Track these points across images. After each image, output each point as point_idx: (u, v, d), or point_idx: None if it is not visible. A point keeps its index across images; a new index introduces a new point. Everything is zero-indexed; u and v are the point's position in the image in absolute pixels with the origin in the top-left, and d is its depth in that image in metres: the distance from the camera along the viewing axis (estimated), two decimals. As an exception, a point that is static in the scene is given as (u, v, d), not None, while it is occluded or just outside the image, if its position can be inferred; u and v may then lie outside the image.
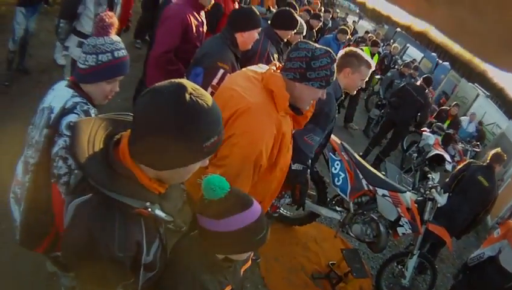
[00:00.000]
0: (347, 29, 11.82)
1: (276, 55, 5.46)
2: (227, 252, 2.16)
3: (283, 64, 3.08)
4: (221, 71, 4.13)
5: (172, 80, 1.56)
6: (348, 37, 12.55)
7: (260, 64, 3.47)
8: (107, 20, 2.55)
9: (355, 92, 4.63)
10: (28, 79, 8.37)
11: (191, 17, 5.04)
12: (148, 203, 1.68)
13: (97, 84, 2.66)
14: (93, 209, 1.63)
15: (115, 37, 2.63)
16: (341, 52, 4.39)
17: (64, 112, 2.50)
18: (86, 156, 1.60)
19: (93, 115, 2.59)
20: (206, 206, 2.01)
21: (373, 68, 4.37)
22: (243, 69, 3.42)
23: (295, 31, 5.63)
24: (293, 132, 3.38)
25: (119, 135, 1.75)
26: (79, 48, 5.34)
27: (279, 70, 3.10)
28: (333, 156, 5.75)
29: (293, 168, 4.03)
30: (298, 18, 5.54)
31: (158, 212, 1.72)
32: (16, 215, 2.84)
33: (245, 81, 3.15)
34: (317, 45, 2.95)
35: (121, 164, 1.64)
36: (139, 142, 1.57)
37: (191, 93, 1.50)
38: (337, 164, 5.73)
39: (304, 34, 6.21)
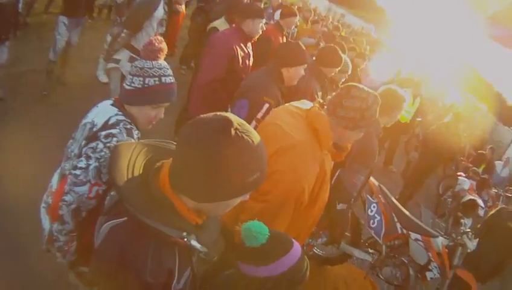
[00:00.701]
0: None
1: (320, 93, 5.38)
2: None
3: (328, 103, 3.02)
4: (266, 105, 4.11)
5: (219, 113, 1.53)
6: None
7: (303, 100, 3.45)
8: (156, 44, 2.53)
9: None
10: (66, 92, 8.47)
11: (238, 48, 5.02)
12: (184, 233, 1.64)
13: (141, 108, 2.61)
14: (128, 233, 1.61)
15: (163, 63, 2.59)
16: (382, 92, 4.29)
17: (107, 126, 2.48)
18: (124, 179, 1.60)
19: (135, 135, 2.58)
20: (249, 253, 1.96)
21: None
22: (286, 104, 3.41)
23: (339, 68, 5.56)
24: (339, 171, 3.34)
25: (161, 163, 1.72)
26: (130, 62, 5.38)
27: (323, 108, 3.06)
28: (370, 198, 5.68)
29: (338, 208, 4.01)
30: (343, 56, 5.49)
31: (194, 243, 1.67)
32: (45, 225, 2.82)
33: (288, 117, 3.13)
34: (367, 90, 2.91)
35: (160, 191, 1.61)
36: (180, 172, 1.54)
37: (236, 128, 1.46)
38: (374, 206, 5.65)
39: (349, 72, 6.14)
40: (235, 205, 1.69)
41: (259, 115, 4.07)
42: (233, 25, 5.40)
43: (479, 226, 7.62)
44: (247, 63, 5.23)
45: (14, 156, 5.86)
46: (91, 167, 2.39)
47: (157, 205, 1.59)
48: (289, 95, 4.64)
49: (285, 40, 7.12)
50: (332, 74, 5.56)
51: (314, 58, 5.54)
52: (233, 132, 1.45)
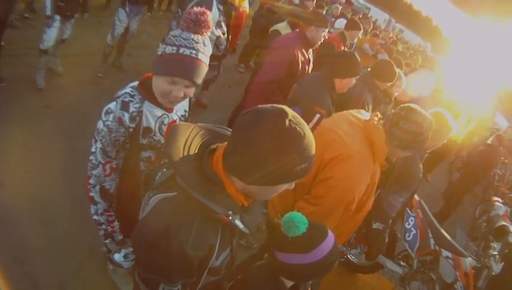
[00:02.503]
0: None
1: (370, 106, 5.36)
2: (304, 280, 2.18)
3: (386, 120, 3.06)
4: (318, 116, 4.13)
5: (275, 105, 1.59)
6: None
7: (361, 111, 3.47)
8: (202, 18, 2.29)
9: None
10: (123, 77, 8.49)
11: (299, 53, 5.04)
12: (230, 212, 1.70)
13: (157, 79, 2.35)
14: (177, 206, 1.68)
15: (206, 40, 2.35)
16: (432, 115, 4.28)
17: (113, 98, 2.48)
18: (180, 157, 1.66)
19: (131, 108, 2.41)
20: (289, 243, 2.05)
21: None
22: (345, 112, 3.44)
23: (393, 83, 5.55)
24: (379, 191, 3.37)
25: (216, 145, 1.81)
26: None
27: (381, 122, 3.10)
28: (409, 212, 5.65)
29: (374, 227, 4.01)
30: (398, 71, 5.47)
31: (238, 222, 1.73)
32: None
33: (347, 126, 3.16)
34: (424, 115, 2.94)
35: (213, 171, 1.69)
36: (234, 154, 1.60)
37: (290, 120, 1.51)
38: (411, 220, 5.61)
39: (403, 88, 6.11)
40: (279, 192, 1.74)
41: (310, 125, 4.05)
42: (297, 30, 5.42)
43: (506, 251, 7.50)
44: (306, 68, 5.25)
45: (66, 134, 6.09)
46: (98, 149, 2.47)
47: (208, 182, 1.67)
48: (340, 102, 4.66)
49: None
50: (386, 87, 5.55)
51: (369, 69, 5.53)
52: (287, 122, 1.50)
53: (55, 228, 4.56)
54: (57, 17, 6.80)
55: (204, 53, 2.32)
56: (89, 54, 8.96)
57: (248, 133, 1.54)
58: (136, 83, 2.52)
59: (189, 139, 1.76)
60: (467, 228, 11.81)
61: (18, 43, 8.56)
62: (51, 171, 5.32)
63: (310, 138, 1.57)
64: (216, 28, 5.60)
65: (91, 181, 2.56)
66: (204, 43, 2.29)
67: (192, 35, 2.26)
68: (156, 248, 1.64)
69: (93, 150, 2.49)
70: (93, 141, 2.48)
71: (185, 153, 1.69)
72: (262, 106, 1.60)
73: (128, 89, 2.48)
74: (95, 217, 2.67)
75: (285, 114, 1.52)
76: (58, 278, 4.15)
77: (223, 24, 5.71)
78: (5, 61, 7.31)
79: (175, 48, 2.22)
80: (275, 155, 1.50)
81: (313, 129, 3.84)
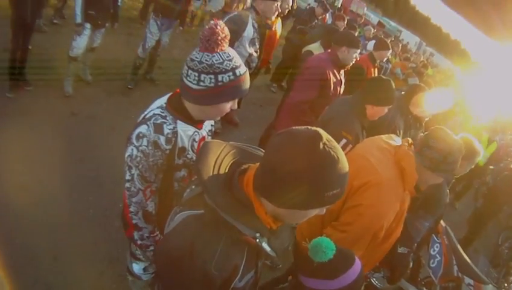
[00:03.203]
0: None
1: (402, 131, 5.24)
2: None
3: (417, 141, 3.02)
4: (344, 141, 4.01)
5: (310, 127, 1.53)
6: None
7: (393, 136, 3.42)
8: (220, 33, 2.10)
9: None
10: (153, 90, 8.48)
11: (331, 74, 4.97)
12: (258, 234, 1.63)
13: (214, 106, 2.28)
14: (203, 224, 1.62)
15: (230, 51, 2.20)
16: None
17: (141, 120, 2.36)
18: (209, 174, 1.62)
19: (166, 130, 2.33)
20: (316, 268, 1.99)
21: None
22: (377, 137, 3.39)
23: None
24: (406, 215, 3.29)
25: (247, 165, 1.74)
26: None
27: (412, 147, 3.05)
28: (435, 238, 5.55)
29: (399, 251, 3.94)
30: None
31: (265, 245, 1.65)
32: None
33: (378, 152, 3.12)
34: (454, 137, 2.91)
35: (243, 191, 1.62)
36: (265, 176, 1.53)
37: (325, 143, 1.45)
38: (437, 246, 5.51)
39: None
40: (309, 217, 1.68)
41: None
42: (329, 51, 5.34)
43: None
44: (338, 89, 5.16)
45: (92, 143, 6.11)
46: (135, 176, 2.36)
47: (237, 203, 1.61)
48: (371, 127, 4.53)
49: (376, 72, 7.05)
50: (418, 112, 5.45)
51: (402, 93, 5.43)
52: (321, 145, 1.43)
53: (76, 235, 4.52)
54: (87, 25, 6.86)
55: (241, 63, 2.25)
56: (119, 65, 9.00)
57: (281, 154, 1.47)
58: (163, 103, 2.43)
59: (220, 157, 1.72)
60: (489, 255, 11.66)
61: (46, 48, 8.60)
62: (75, 178, 5.33)
63: (344, 163, 1.50)
64: (249, 45, 5.54)
65: (132, 209, 2.47)
66: (230, 54, 2.18)
67: (227, 53, 2.16)
68: (179, 264, 1.59)
69: (128, 177, 2.39)
70: (126, 168, 2.37)
71: (215, 172, 1.65)
72: (296, 127, 1.53)
73: (157, 110, 2.39)
74: (140, 242, 2.58)
75: (320, 137, 1.46)
76: (75, 285, 4.13)
77: (256, 42, 5.64)
78: (33, 65, 7.30)
79: (231, 74, 2.14)
80: (307, 179, 1.43)
81: None
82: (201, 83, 2.13)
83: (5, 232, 4.29)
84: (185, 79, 2.20)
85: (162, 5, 7.59)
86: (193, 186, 1.85)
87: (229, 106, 2.28)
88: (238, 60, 2.17)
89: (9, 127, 6.04)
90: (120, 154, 3.02)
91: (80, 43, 6.93)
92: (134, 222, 2.48)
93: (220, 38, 2.07)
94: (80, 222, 4.71)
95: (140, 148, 2.27)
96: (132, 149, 2.29)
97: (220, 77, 2.11)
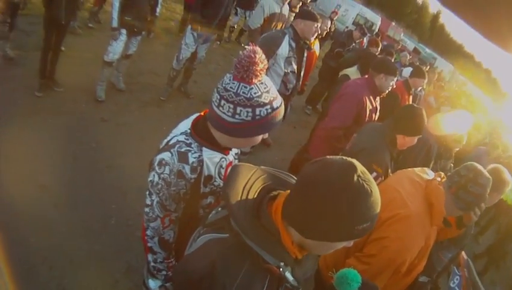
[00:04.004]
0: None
1: (432, 160, 5.17)
2: None
3: (453, 182, 2.93)
4: (374, 174, 3.90)
5: (345, 158, 1.48)
6: None
7: (426, 169, 3.36)
8: (259, 63, 1.92)
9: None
10: (186, 103, 8.42)
11: (367, 100, 4.88)
12: (282, 263, 1.57)
13: (247, 139, 2.14)
14: (226, 249, 1.58)
15: (267, 80, 2.03)
16: (489, 171, 4.12)
17: (164, 147, 2.24)
18: (237, 199, 1.57)
19: (191, 158, 2.17)
20: None
21: None
22: (410, 170, 3.35)
23: (455, 137, 5.33)
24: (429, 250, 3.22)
25: (277, 192, 1.69)
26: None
27: (443, 182, 2.99)
28: (456, 270, 5.44)
29: (420, 280, 3.86)
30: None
31: (288, 275, 1.59)
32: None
33: (409, 185, 3.08)
34: (488, 177, 2.86)
35: (270, 219, 1.57)
36: (295, 205, 1.49)
37: (359, 175, 1.40)
38: (457, 279, 5.39)
39: (463, 143, 5.87)
40: (337, 248, 1.62)
41: None
42: (366, 76, 5.25)
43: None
44: (373, 116, 5.07)
45: (120, 151, 6.06)
46: (154, 203, 2.26)
47: (263, 230, 1.55)
48: (404, 155, 4.49)
49: (410, 100, 6.95)
50: (449, 142, 5.35)
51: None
52: (355, 177, 1.39)
53: (95, 242, 4.47)
54: (123, 31, 6.83)
55: (277, 93, 2.10)
56: (153, 75, 9.05)
57: (313, 185, 1.42)
58: (187, 128, 2.28)
59: (250, 182, 1.66)
60: (507, 287, 11.48)
61: (80, 51, 8.63)
62: (99, 185, 5.27)
63: (376, 196, 1.45)
64: (285, 64, 5.45)
65: (148, 233, 2.38)
66: (267, 84, 2.01)
67: (265, 83, 2.00)
68: (198, 286, 1.56)
69: (148, 202, 2.29)
70: (147, 192, 2.27)
71: (244, 197, 1.60)
72: (331, 157, 1.50)
73: (181, 137, 2.23)
74: (153, 264, 2.48)
75: (354, 169, 1.41)
76: (88, 289, 4.08)
77: (293, 62, 5.52)
78: (65, 67, 7.31)
79: (269, 107, 2.00)
80: (339, 212, 1.39)
81: None
82: (237, 116, 1.98)
83: (19, 229, 4.28)
84: (217, 109, 2.02)
85: (200, 19, 7.56)
86: (219, 209, 1.82)
87: (261, 137, 2.16)
88: (274, 91, 2.05)
89: (35, 126, 6.05)
90: (147, 165, 2.98)
91: (116, 49, 6.93)
92: (149, 245, 2.43)
93: (258, 69, 1.91)
94: (100, 228, 4.66)
95: (162, 175, 2.16)
96: (154, 175, 2.19)
97: (257, 111, 1.97)
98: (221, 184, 2.32)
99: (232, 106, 1.95)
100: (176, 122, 6.25)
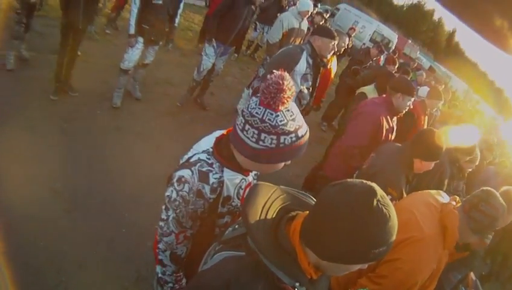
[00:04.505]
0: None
1: (447, 180, 5.13)
2: None
3: (466, 201, 2.97)
4: (389, 197, 3.83)
5: (365, 181, 1.49)
6: None
7: (441, 192, 3.35)
8: (287, 90, 1.86)
9: None
10: (202, 115, 8.36)
11: (384, 120, 4.84)
12: (297, 284, 1.55)
13: (270, 165, 2.08)
14: (242, 267, 1.57)
15: (293, 108, 1.97)
16: (502, 193, 4.09)
17: (184, 164, 2.18)
18: (256, 218, 1.57)
19: (211, 179, 2.12)
20: None
21: None
22: (426, 192, 3.35)
23: (471, 159, 5.30)
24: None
25: (295, 213, 1.68)
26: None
27: (458, 205, 3.01)
28: (465, 291, 5.42)
29: None
30: (477, 151, 5.24)
31: None
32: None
33: (424, 207, 3.07)
34: (501, 200, 2.88)
35: (288, 239, 1.57)
36: (314, 227, 1.49)
37: (378, 200, 1.41)
38: (465, 300, 5.38)
39: (476, 164, 5.80)
40: (351, 270, 1.61)
41: None
42: (384, 96, 5.23)
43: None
44: (390, 136, 5.02)
45: (134, 160, 6.04)
46: (170, 218, 2.21)
47: (280, 250, 1.54)
48: (419, 177, 4.46)
49: (426, 120, 6.89)
50: (464, 162, 5.30)
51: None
52: (375, 202, 1.39)
53: (105, 249, 4.44)
54: (140, 39, 6.80)
55: (303, 122, 2.03)
56: (169, 85, 9.05)
57: (332, 208, 1.43)
58: (209, 147, 2.23)
59: (269, 202, 1.65)
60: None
61: (96, 57, 8.66)
62: (112, 192, 5.22)
63: (394, 221, 1.45)
64: (302, 81, 5.41)
65: (161, 246, 2.35)
66: (294, 112, 1.96)
67: (291, 111, 1.94)
68: None
69: (164, 217, 2.24)
70: (163, 207, 2.22)
71: (262, 216, 1.59)
72: (352, 180, 1.50)
73: (203, 155, 2.18)
74: (160, 275, 2.46)
75: (374, 193, 1.42)
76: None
77: (309, 78, 5.48)
78: (80, 72, 7.30)
79: (293, 135, 1.94)
80: (357, 235, 1.39)
81: None
82: (261, 143, 1.92)
83: (29, 232, 4.27)
84: (240, 132, 1.97)
85: (218, 31, 7.55)
86: (236, 226, 1.81)
87: (283, 164, 2.09)
88: (300, 119, 1.98)
89: (49, 129, 6.04)
90: (162, 175, 2.93)
91: (132, 56, 6.89)
92: (160, 257, 2.39)
93: (286, 96, 1.86)
94: (111, 236, 4.62)
95: (181, 193, 2.10)
96: (172, 191, 2.14)
97: (282, 139, 1.91)
98: (239, 204, 2.30)
99: (256, 131, 1.91)
100: (191, 133, 6.18)
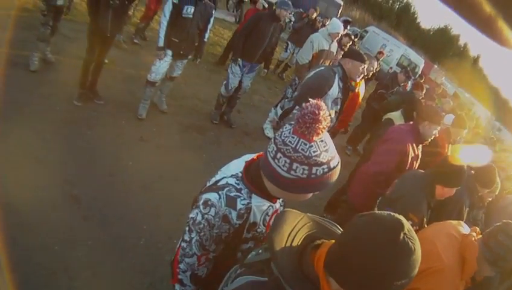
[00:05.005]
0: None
1: (467, 209, 5.07)
2: None
3: (486, 232, 3.03)
4: (410, 223, 3.85)
5: (392, 214, 1.50)
6: None
7: (462, 223, 3.41)
8: (323, 120, 1.82)
9: None
10: (228, 132, 8.31)
11: (411, 148, 4.85)
12: None
13: (301, 195, 2.04)
14: None
15: (327, 138, 1.92)
16: None
17: (212, 187, 2.15)
18: (282, 245, 1.57)
19: (239, 204, 2.08)
20: None
21: None
22: (448, 223, 3.41)
23: (491, 189, 5.26)
24: None
25: (321, 241, 1.69)
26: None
27: (479, 237, 3.05)
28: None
29: None
30: (498, 180, 5.21)
31: None
32: None
33: (446, 239, 3.11)
34: None
35: (312, 267, 1.57)
36: (339, 257, 1.50)
37: (405, 233, 1.42)
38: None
39: (496, 193, 5.74)
40: None
41: None
42: (411, 123, 5.25)
43: None
44: (414, 164, 5.02)
45: (156, 173, 5.96)
46: (193, 240, 2.15)
47: (303, 277, 1.55)
48: (438, 204, 4.39)
49: (450, 148, 6.87)
50: (484, 193, 5.27)
51: (472, 172, 5.22)
52: (402, 235, 1.40)
53: (120, 259, 4.40)
54: (169, 52, 6.75)
55: (336, 153, 1.98)
56: (196, 100, 8.97)
57: (359, 239, 1.45)
58: (238, 172, 2.18)
59: (296, 229, 1.67)
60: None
61: (123, 66, 8.61)
62: (132, 204, 5.19)
63: (418, 254, 1.46)
64: (332, 104, 5.38)
65: (182, 266, 2.28)
66: (327, 142, 1.91)
67: (324, 141, 1.89)
68: None
69: (187, 238, 2.19)
70: (187, 228, 2.18)
71: (288, 243, 1.60)
72: (380, 212, 1.51)
73: (231, 180, 2.14)
74: None
75: (402, 227, 1.43)
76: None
77: (339, 102, 5.47)
78: (107, 80, 7.30)
79: (325, 167, 1.88)
80: (381, 267, 1.40)
81: None
82: (292, 172, 1.86)
83: (45, 235, 4.26)
84: (272, 160, 1.91)
85: (244, 49, 7.54)
86: (260, 251, 1.82)
87: (312, 194, 2.03)
88: (333, 150, 1.93)
89: (71, 135, 6.05)
90: (183, 191, 2.94)
91: (159, 69, 6.84)
92: (180, 277, 2.33)
93: (321, 127, 1.81)
94: (128, 247, 4.57)
95: (206, 216, 2.06)
96: (197, 213, 2.09)
97: (314, 170, 1.86)
98: (264, 231, 2.27)
99: (288, 161, 1.86)
100: (216, 150, 6.16)
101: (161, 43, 6.55)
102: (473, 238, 3.03)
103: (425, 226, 3.89)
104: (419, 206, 3.98)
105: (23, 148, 5.28)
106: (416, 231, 3.59)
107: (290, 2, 7.56)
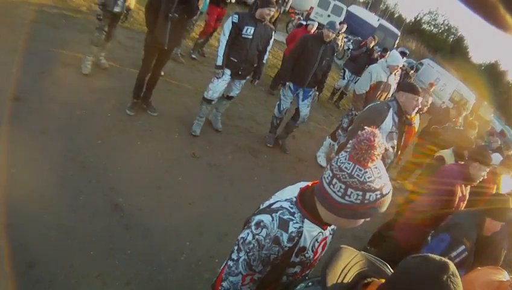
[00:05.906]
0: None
1: (505, 251, 4.98)
2: None
3: None
4: (463, 247, 3.98)
5: (442, 258, 1.51)
6: None
7: (502, 271, 3.50)
8: (377, 147, 1.86)
9: None
10: (282, 157, 8.10)
11: (459, 189, 4.86)
12: None
13: (351, 221, 2.04)
14: None
15: (380, 165, 1.95)
16: None
17: (265, 209, 2.15)
18: (334, 281, 1.60)
19: (291, 228, 2.06)
20: None
21: None
22: (489, 269, 3.50)
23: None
24: None
25: (371, 279, 1.71)
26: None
27: None
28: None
29: None
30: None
31: None
32: None
33: (485, 285, 3.22)
34: None
35: None
36: None
37: (449, 276, 1.44)
38: None
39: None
40: None
41: (453, 254, 3.93)
42: (462, 163, 5.23)
43: None
44: (461, 205, 4.97)
45: (206, 192, 5.85)
46: (241, 259, 2.12)
47: None
48: (482, 245, 4.38)
49: (495, 189, 6.77)
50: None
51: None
52: (445, 277, 1.43)
53: (158, 273, 4.30)
54: (228, 72, 6.65)
55: (388, 180, 1.99)
56: (252, 121, 8.86)
57: (407, 279, 1.49)
58: (293, 196, 2.18)
59: (348, 266, 1.70)
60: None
61: (179, 80, 8.56)
62: (178, 219, 5.11)
63: None
64: (387, 139, 5.23)
65: (224, 284, 2.25)
66: (380, 170, 1.94)
67: (378, 168, 1.92)
68: None
69: (234, 257, 2.17)
70: (235, 247, 2.16)
71: (340, 279, 1.63)
72: (431, 255, 1.53)
73: (286, 204, 2.14)
74: None
75: (447, 269, 1.46)
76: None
77: (394, 137, 5.29)
78: (162, 93, 7.26)
79: (378, 193, 1.89)
80: None
81: (453, 259, 3.87)
82: (347, 198, 1.88)
83: (82, 239, 4.26)
84: (327, 186, 1.94)
85: (293, 73, 7.49)
86: (310, 283, 1.84)
87: (363, 220, 2.03)
88: (386, 177, 1.95)
89: (121, 144, 6.04)
90: (232, 211, 2.91)
91: (217, 87, 6.72)
92: None
93: (376, 153, 1.85)
94: (168, 261, 4.45)
95: (257, 237, 2.05)
96: (248, 233, 2.09)
97: (367, 195, 1.87)
98: (312, 257, 2.26)
99: (343, 186, 1.89)
100: (268, 174, 6.11)
101: (219, 62, 6.48)
102: (509, 285, 3.13)
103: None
104: (472, 233, 4.12)
105: (70, 152, 5.33)
106: (467, 258, 3.72)
107: (337, 25, 7.42)
